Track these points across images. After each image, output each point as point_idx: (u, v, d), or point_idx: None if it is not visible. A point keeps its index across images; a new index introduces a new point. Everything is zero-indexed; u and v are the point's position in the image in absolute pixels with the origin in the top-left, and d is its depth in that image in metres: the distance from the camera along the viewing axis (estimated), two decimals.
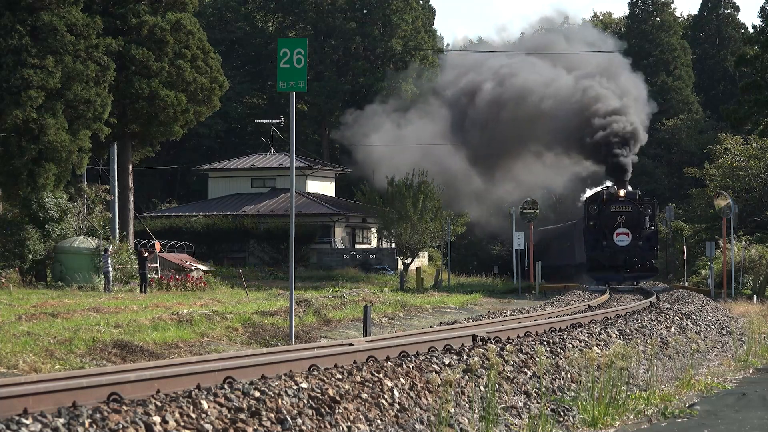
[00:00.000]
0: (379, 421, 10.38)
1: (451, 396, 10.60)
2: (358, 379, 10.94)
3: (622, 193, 51.53)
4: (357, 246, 70.21)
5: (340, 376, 10.83)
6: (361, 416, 10.26)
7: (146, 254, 41.88)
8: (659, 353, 17.28)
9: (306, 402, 9.88)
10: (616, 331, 18.47)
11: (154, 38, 47.16)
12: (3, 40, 40.85)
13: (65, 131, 40.94)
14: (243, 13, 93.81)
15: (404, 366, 11.83)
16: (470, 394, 11.74)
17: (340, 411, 10.06)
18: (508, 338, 15.56)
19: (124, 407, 8.55)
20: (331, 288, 44.34)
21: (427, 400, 11.28)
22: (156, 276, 45.19)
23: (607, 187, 53.45)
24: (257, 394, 9.59)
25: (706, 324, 24.71)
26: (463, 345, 14.18)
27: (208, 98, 49.34)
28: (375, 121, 75.50)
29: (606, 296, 36.44)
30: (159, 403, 8.81)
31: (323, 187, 74.20)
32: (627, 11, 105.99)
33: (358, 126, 76.28)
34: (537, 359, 13.20)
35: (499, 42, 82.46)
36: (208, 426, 8.78)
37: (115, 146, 50.93)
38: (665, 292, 41.44)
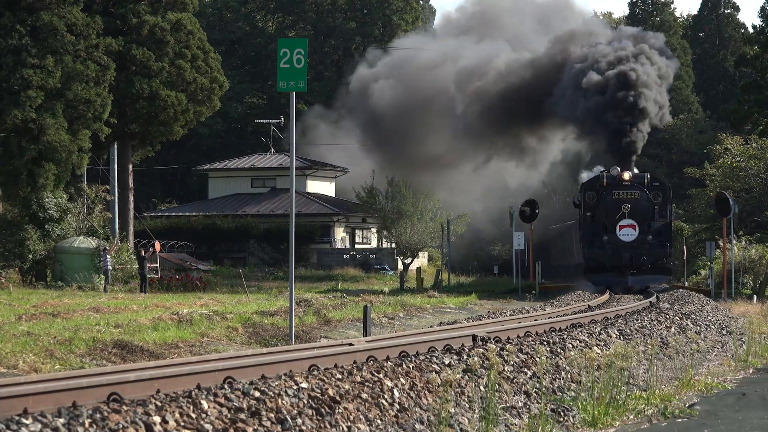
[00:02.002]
0: (379, 421, 10.38)
1: (451, 396, 10.60)
2: (358, 379, 10.94)
3: (626, 176, 42.08)
4: (357, 246, 70.23)
5: (340, 376, 10.83)
6: (361, 416, 10.26)
7: (146, 254, 41.91)
8: (659, 353, 17.28)
9: (306, 402, 9.88)
10: (616, 331, 18.47)
11: (154, 38, 47.19)
12: (3, 40, 40.87)
13: (65, 131, 40.96)
14: (243, 13, 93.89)
15: (404, 366, 11.83)
16: (470, 394, 11.74)
17: (340, 411, 10.06)
18: (508, 338, 15.55)
19: (124, 407, 8.55)
20: (331, 287, 44.34)
21: (427, 400, 11.28)
22: (156, 276, 45.21)
23: (608, 169, 44.16)
24: (257, 394, 9.59)
25: (706, 324, 24.71)
26: (463, 345, 14.17)
27: (208, 98, 49.36)
28: (318, 131, 73.48)
29: (606, 296, 35.68)
30: (159, 403, 8.81)
31: (323, 187, 74.21)
32: (627, 11, 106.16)
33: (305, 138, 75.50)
34: (537, 359, 13.20)
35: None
36: (208, 426, 8.78)
37: (115, 146, 50.98)
38: (665, 292, 41.27)
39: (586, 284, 43.20)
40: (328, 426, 9.77)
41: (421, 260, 69.89)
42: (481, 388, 11.84)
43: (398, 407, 10.82)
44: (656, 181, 44.48)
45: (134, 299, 33.58)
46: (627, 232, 41.57)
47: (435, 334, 16.27)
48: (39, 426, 7.86)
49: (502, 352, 13.00)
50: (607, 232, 41.96)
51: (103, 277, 41.60)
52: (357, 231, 71.89)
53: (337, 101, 76.94)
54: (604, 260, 41.86)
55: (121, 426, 8.17)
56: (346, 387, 10.55)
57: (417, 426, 10.65)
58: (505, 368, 13.05)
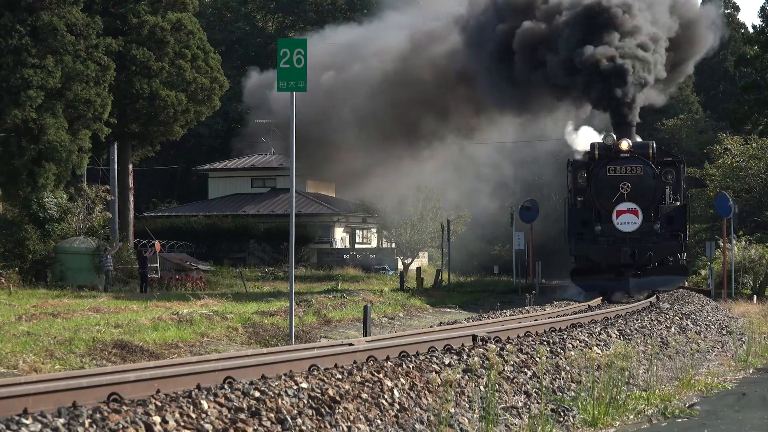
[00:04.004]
0: (379, 421, 10.37)
1: (451, 396, 10.60)
2: (358, 379, 10.94)
3: (624, 145, 32.63)
4: (357, 246, 70.22)
5: (340, 376, 10.83)
6: (361, 416, 10.26)
7: (146, 254, 41.95)
8: (659, 353, 17.28)
9: (306, 402, 9.88)
10: (616, 331, 18.47)
11: (154, 38, 47.20)
12: (3, 40, 40.87)
13: (65, 131, 40.98)
14: (243, 13, 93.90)
15: (404, 366, 11.83)
16: (470, 394, 11.74)
17: (340, 411, 10.06)
18: (508, 338, 15.55)
19: (124, 407, 8.55)
20: (331, 287, 44.30)
21: (427, 400, 11.27)
22: (156, 276, 45.22)
23: (602, 139, 34.29)
24: (257, 394, 9.59)
25: (706, 324, 24.71)
26: (463, 345, 14.17)
27: (208, 98, 49.36)
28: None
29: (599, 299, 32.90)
30: (159, 403, 8.81)
31: (323, 187, 74.19)
32: None
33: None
34: (537, 359, 13.20)
35: None
36: (208, 426, 8.78)
37: (115, 146, 50.99)
38: (665, 291, 41.13)
39: (576, 290, 35.63)
40: (328, 426, 9.76)
41: (421, 260, 69.90)
42: (481, 388, 11.84)
43: (398, 407, 10.82)
44: (666, 153, 35.88)
45: (134, 299, 33.57)
46: (627, 219, 32.59)
47: (435, 334, 16.27)
48: (39, 426, 7.86)
49: (502, 352, 12.99)
50: (601, 220, 32.97)
51: (104, 277, 41.64)
52: (357, 231, 71.87)
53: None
54: (598, 258, 33.08)
55: (121, 426, 8.17)
56: (346, 387, 10.55)
57: (417, 426, 10.64)
58: (505, 368, 13.04)
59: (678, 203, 34.24)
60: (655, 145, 34.37)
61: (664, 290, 34.41)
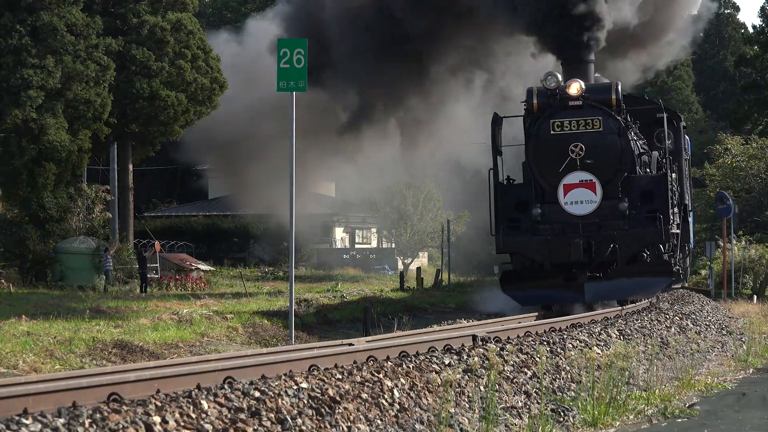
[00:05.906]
0: (379, 421, 10.38)
1: (451, 396, 10.60)
2: (358, 379, 10.94)
3: (574, 88, 22.44)
4: (357, 246, 70.19)
5: (340, 376, 10.83)
6: (361, 416, 10.26)
7: (146, 254, 41.96)
8: (659, 353, 17.28)
9: (306, 402, 9.88)
10: (616, 331, 18.47)
11: (154, 38, 47.14)
12: (3, 40, 40.86)
13: (65, 131, 40.96)
14: (243, 13, 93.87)
15: (404, 366, 11.83)
16: (470, 394, 11.74)
17: (340, 411, 10.06)
18: (508, 338, 15.56)
19: (124, 407, 8.55)
20: (331, 287, 44.30)
21: (427, 400, 11.27)
22: (156, 276, 45.22)
23: (541, 82, 22.89)
24: (257, 394, 9.59)
25: (706, 324, 24.70)
26: (463, 345, 14.17)
27: (209, 98, 49.30)
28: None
29: None
30: (159, 403, 8.81)
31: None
32: None
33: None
34: (537, 359, 13.20)
35: None
36: (208, 426, 8.78)
37: (115, 146, 50.97)
38: (665, 292, 41.06)
39: (506, 303, 24.38)
40: (328, 426, 9.76)
41: (421, 260, 69.88)
42: (481, 388, 11.84)
43: (398, 407, 10.82)
44: (658, 107, 25.47)
45: (134, 299, 33.56)
46: (580, 196, 22.63)
47: (435, 334, 16.27)
48: (39, 426, 7.86)
49: (502, 352, 12.99)
50: (543, 199, 23.18)
51: (104, 277, 41.65)
52: (357, 231, 71.86)
53: None
54: (537, 255, 23.06)
55: (121, 426, 8.17)
56: (346, 387, 10.55)
57: (417, 426, 10.64)
58: (505, 368, 13.04)
59: (669, 171, 24.34)
60: (620, 87, 23.47)
61: (639, 297, 25.16)
